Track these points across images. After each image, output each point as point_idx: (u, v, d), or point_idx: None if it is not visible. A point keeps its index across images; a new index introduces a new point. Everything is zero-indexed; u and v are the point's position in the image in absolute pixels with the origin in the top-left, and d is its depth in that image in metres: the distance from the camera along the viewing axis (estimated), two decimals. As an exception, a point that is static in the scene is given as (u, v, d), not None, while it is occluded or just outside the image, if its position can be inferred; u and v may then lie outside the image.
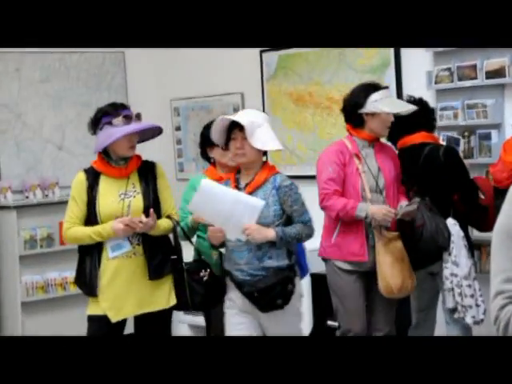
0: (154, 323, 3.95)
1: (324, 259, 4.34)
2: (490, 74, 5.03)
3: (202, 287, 3.85)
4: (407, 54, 5.56)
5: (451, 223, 4.26)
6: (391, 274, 4.10)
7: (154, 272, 3.89)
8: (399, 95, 5.52)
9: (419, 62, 5.44)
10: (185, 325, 6.03)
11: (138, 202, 3.92)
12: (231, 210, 3.66)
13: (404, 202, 4.29)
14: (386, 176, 4.26)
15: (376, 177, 4.22)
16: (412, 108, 4.29)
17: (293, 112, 6.26)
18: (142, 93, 7.06)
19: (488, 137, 5.12)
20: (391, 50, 5.60)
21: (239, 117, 3.73)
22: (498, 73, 4.99)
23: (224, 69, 6.69)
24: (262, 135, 3.69)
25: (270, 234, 3.67)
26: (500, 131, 5.11)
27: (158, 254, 3.92)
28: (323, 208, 4.22)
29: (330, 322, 5.21)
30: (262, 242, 3.68)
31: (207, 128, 4.21)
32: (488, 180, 4.57)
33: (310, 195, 4.11)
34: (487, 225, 4.19)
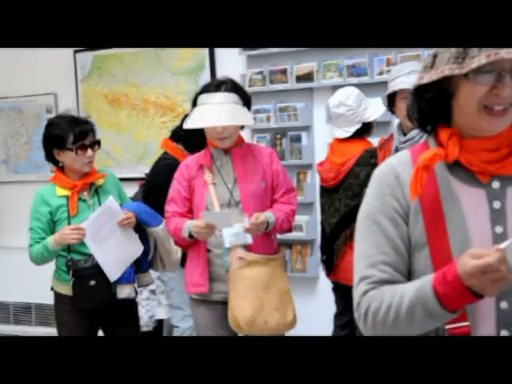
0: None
1: None
2: (300, 78, 5.23)
3: None
4: (222, 56, 5.65)
5: None
6: (239, 304, 3.45)
7: None
8: (214, 98, 5.60)
9: (233, 65, 5.54)
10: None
11: None
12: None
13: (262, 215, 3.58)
14: (243, 186, 3.60)
15: (231, 188, 3.61)
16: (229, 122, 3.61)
17: (108, 113, 6.19)
18: (-51, 92, 6.73)
19: (299, 139, 5.32)
20: (206, 53, 5.67)
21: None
22: (307, 77, 5.20)
23: (36, 68, 6.51)
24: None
25: None
26: (310, 133, 5.31)
27: None
28: None
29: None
30: None
31: (53, 127, 3.73)
32: None
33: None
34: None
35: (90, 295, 3.64)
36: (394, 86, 3.54)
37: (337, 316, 4.43)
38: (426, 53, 4.60)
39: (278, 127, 5.35)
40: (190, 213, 3.67)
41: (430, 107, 1.68)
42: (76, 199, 3.71)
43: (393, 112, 3.64)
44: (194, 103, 3.62)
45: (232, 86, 3.61)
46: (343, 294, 4.18)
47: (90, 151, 3.69)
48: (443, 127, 1.70)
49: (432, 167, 1.65)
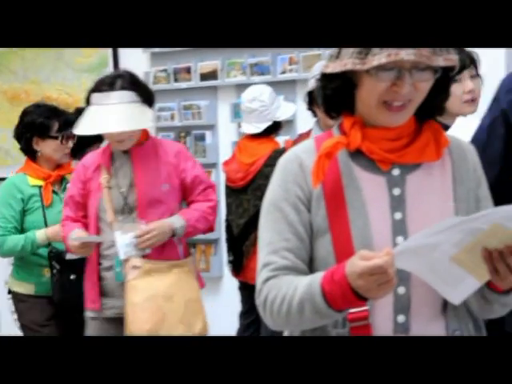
0: None
1: None
2: (204, 77, 5.23)
3: None
4: (125, 53, 5.59)
5: None
6: (136, 318, 3.12)
7: None
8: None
9: (137, 63, 5.48)
10: None
11: None
12: None
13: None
14: (140, 191, 3.23)
15: (125, 193, 3.26)
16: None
17: (7, 111, 6.03)
18: None
19: (203, 137, 5.31)
20: (109, 50, 5.61)
21: None
22: (211, 75, 5.20)
23: None
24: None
25: None
26: (214, 132, 5.32)
27: None
28: None
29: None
30: None
31: (34, 114, 3.64)
32: None
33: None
34: None
35: (69, 290, 3.53)
36: (309, 85, 3.55)
37: (242, 315, 4.44)
38: (327, 52, 4.67)
39: (182, 125, 5.33)
40: (86, 217, 3.34)
41: (335, 96, 1.71)
42: (50, 189, 3.65)
43: (312, 110, 3.62)
44: (88, 101, 3.22)
45: (129, 82, 3.20)
46: (250, 293, 4.18)
47: (71, 142, 3.62)
48: (347, 115, 1.73)
49: (335, 155, 1.68)
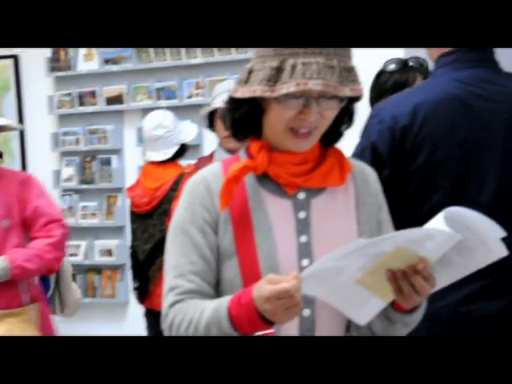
0: None
1: None
2: (110, 101, 5.19)
3: None
4: (28, 77, 5.51)
5: None
6: None
7: None
8: (21, 120, 5.46)
9: (40, 87, 5.42)
10: None
11: None
12: None
13: None
14: None
15: None
16: None
17: None
18: None
19: (108, 162, 5.27)
20: (11, 74, 5.52)
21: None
22: (117, 99, 5.17)
23: None
24: None
25: None
26: (120, 156, 5.28)
27: None
28: None
29: None
30: None
31: None
32: None
33: None
34: None
35: None
36: (211, 105, 3.55)
37: (148, 341, 4.39)
38: (233, 77, 4.72)
39: (88, 150, 5.28)
40: None
41: (243, 120, 1.72)
42: None
43: (214, 130, 3.59)
44: None
45: None
46: (156, 319, 4.14)
47: None
48: (254, 139, 1.75)
49: (242, 178, 1.70)
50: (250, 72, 1.68)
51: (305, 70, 1.58)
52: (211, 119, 3.52)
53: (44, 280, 3.34)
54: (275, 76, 1.62)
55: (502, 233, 1.60)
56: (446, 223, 1.55)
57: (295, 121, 1.65)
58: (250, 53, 4.75)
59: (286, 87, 1.59)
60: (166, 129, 4.13)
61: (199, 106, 4.99)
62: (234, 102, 1.72)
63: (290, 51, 1.61)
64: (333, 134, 1.74)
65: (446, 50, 2.28)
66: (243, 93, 1.67)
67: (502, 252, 1.60)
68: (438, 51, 2.32)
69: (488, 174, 2.22)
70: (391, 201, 1.88)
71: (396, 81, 3.02)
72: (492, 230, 1.57)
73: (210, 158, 3.48)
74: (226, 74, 4.83)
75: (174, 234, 1.73)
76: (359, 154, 2.28)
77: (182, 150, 4.21)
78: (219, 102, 3.41)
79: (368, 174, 1.82)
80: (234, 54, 4.88)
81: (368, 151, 2.24)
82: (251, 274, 1.65)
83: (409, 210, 2.21)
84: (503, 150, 2.22)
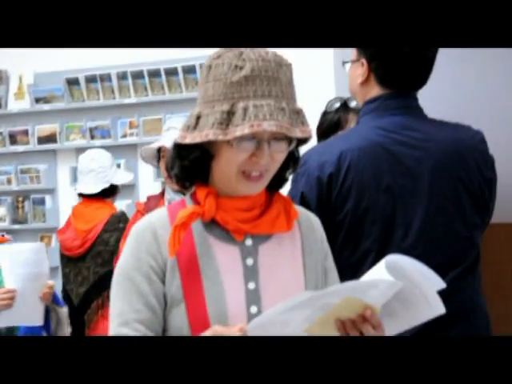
0: None
1: None
2: (43, 140, 5.14)
3: None
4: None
5: None
6: None
7: None
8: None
9: (-30, 126, 5.34)
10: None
11: None
12: None
13: None
14: None
15: None
16: None
17: None
18: None
19: (42, 202, 5.20)
20: None
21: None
22: (50, 138, 5.12)
23: None
24: None
25: None
26: (54, 196, 5.21)
27: None
28: None
29: None
30: None
31: None
32: None
33: None
34: None
35: None
36: (154, 144, 3.52)
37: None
38: (167, 116, 4.73)
39: (20, 190, 5.21)
40: None
41: (192, 166, 1.73)
42: None
43: (158, 168, 3.51)
44: None
45: None
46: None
47: None
48: (200, 185, 1.75)
49: (190, 225, 1.70)
50: (199, 117, 1.66)
51: (257, 112, 1.59)
52: (158, 156, 3.48)
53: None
54: (227, 119, 1.61)
55: (442, 284, 1.62)
56: (387, 272, 1.57)
57: (247, 164, 1.66)
58: (184, 93, 4.78)
59: (240, 129, 1.59)
60: (100, 164, 4.10)
61: (134, 146, 4.99)
62: (182, 149, 1.72)
63: (239, 95, 1.61)
64: (278, 178, 1.76)
65: (372, 96, 2.32)
66: (193, 138, 1.65)
67: (439, 309, 1.61)
68: (363, 98, 2.35)
69: (413, 219, 2.24)
70: None
71: (330, 121, 3.07)
72: (430, 282, 1.59)
73: (160, 197, 3.46)
74: (160, 114, 4.84)
75: (119, 281, 1.71)
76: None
77: (112, 191, 4.18)
78: (158, 141, 3.42)
79: (313, 220, 1.84)
80: (168, 94, 4.89)
81: (297, 200, 2.24)
82: (199, 321, 1.64)
83: (340, 258, 2.18)
84: (428, 195, 2.24)
